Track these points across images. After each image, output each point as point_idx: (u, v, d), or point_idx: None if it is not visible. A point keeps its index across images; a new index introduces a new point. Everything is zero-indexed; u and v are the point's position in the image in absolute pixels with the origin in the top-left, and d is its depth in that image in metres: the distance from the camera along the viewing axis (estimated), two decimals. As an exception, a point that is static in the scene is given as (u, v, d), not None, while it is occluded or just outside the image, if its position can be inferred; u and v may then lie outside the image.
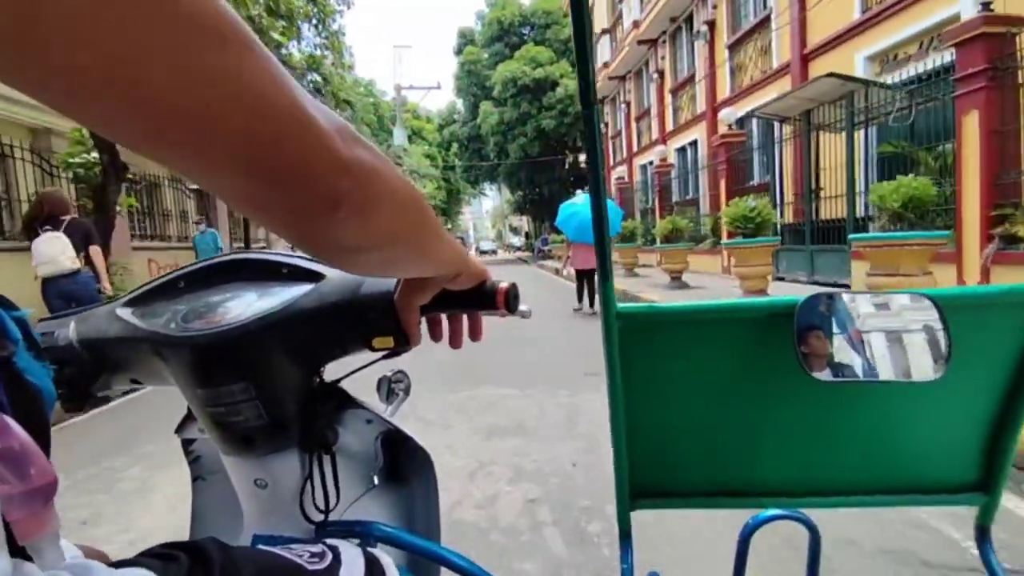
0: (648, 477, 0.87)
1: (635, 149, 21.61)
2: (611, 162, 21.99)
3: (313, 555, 0.54)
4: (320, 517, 0.72)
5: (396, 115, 33.34)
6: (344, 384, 0.76)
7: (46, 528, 0.36)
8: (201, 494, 0.87)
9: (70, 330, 0.73)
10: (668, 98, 17.90)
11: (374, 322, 0.67)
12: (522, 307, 0.71)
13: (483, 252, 48.25)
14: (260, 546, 0.58)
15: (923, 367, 0.69)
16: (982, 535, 0.84)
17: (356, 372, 0.75)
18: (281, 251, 0.75)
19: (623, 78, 22.03)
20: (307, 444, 0.72)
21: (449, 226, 56.78)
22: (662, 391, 0.83)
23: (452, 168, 37.10)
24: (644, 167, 20.30)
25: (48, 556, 0.36)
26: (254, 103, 0.29)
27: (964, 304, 0.72)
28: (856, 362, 0.71)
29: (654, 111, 18.93)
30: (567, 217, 7.70)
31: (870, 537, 2.02)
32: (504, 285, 0.67)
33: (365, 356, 0.71)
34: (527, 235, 47.48)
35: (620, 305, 0.75)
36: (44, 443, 0.38)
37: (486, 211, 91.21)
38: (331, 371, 0.76)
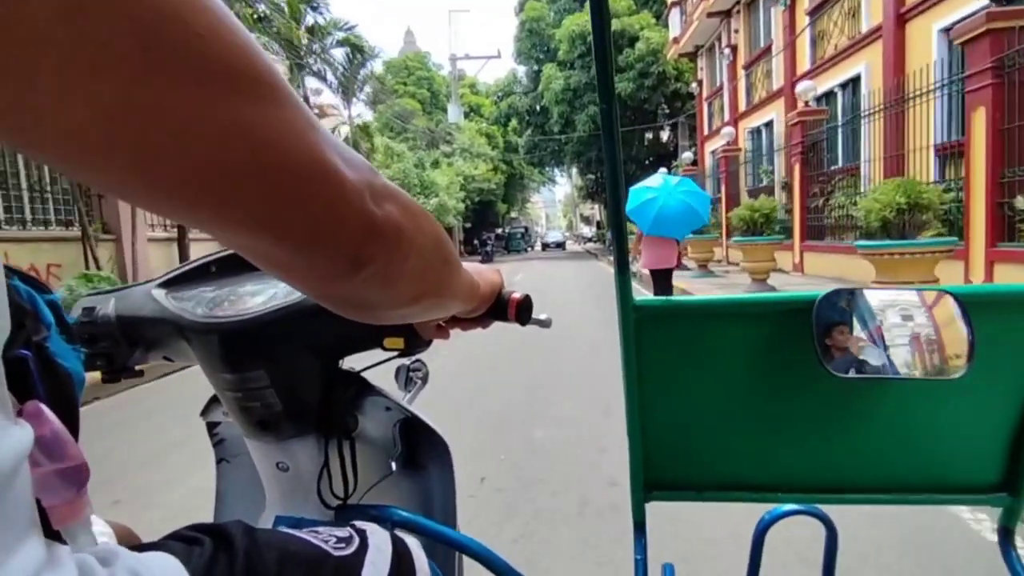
0: (663, 469, 0.90)
1: (705, 132, 20.12)
2: (706, 130, 20.33)
3: (340, 540, 0.56)
4: (337, 502, 0.79)
5: (451, 90, 33.05)
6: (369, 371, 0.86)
7: (80, 515, 0.39)
8: (225, 476, 0.95)
9: (110, 307, 0.80)
10: (741, 75, 16.58)
11: (387, 324, 0.70)
12: (541, 316, 0.79)
13: (546, 246, 44.88)
14: (284, 528, 0.62)
15: (945, 365, 0.71)
16: (1005, 536, 0.86)
17: (376, 366, 0.85)
18: None
19: (693, 55, 20.48)
20: (327, 430, 0.80)
21: (514, 214, 56.41)
22: (678, 383, 0.86)
23: (515, 150, 36.44)
24: (714, 152, 18.85)
25: (81, 540, 0.39)
26: (279, 161, 0.28)
27: (988, 302, 0.74)
28: (876, 358, 0.72)
29: (726, 90, 17.48)
30: (642, 204, 6.53)
31: (888, 532, 2.05)
32: (517, 296, 0.73)
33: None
34: (599, 225, 46.13)
35: (637, 297, 0.78)
36: (73, 426, 0.41)
37: (559, 200, 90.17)
38: (353, 360, 0.84)
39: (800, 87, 10.46)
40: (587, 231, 52.08)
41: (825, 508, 0.93)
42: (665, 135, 28.48)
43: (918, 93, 7.83)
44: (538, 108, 30.47)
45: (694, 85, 20.82)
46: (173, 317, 0.77)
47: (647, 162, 26.15)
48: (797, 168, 10.66)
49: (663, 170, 10.51)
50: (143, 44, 0.22)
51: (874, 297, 0.75)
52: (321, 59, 16.11)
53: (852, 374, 0.73)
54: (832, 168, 10.49)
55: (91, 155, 0.23)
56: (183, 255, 9.99)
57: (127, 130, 0.23)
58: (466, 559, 0.80)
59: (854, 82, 10.71)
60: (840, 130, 10.45)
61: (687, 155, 18.25)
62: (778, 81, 13.87)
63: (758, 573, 0.98)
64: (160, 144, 0.24)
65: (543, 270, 20.06)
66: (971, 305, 0.70)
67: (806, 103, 10.21)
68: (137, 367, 0.83)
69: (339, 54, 17.23)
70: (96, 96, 0.22)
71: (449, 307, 0.58)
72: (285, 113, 0.28)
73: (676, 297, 0.82)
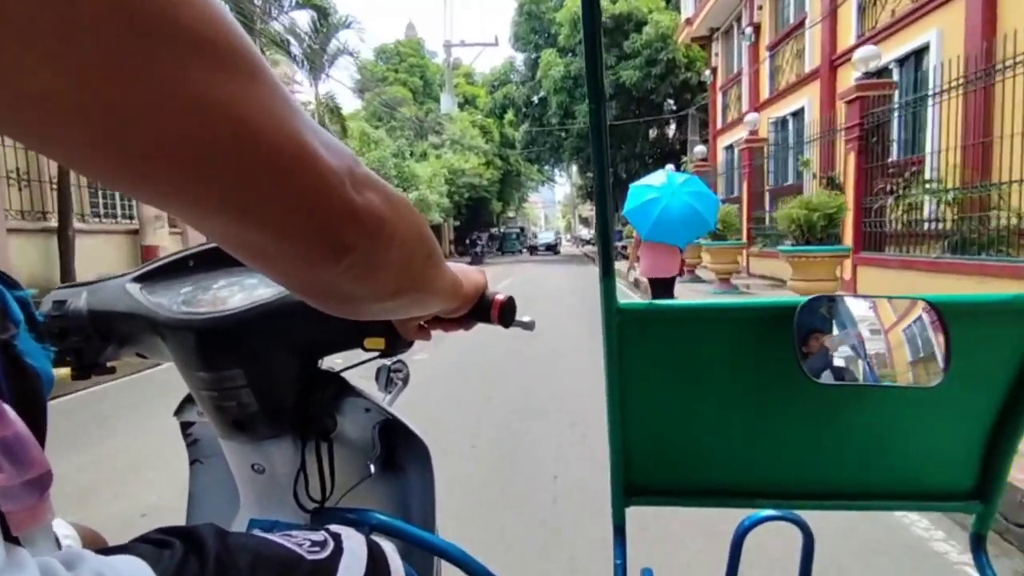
0: (644, 473, 0.91)
1: (718, 125, 18.11)
2: (719, 123, 18.31)
3: (314, 544, 0.55)
4: (314, 505, 0.79)
5: (445, 79, 30.97)
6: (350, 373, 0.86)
7: (40, 521, 0.38)
8: (198, 477, 0.93)
9: (82, 301, 0.78)
10: (764, 58, 14.47)
11: (367, 324, 0.73)
12: (524, 318, 0.76)
13: (534, 249, 37.70)
14: (258, 531, 0.61)
15: (922, 373, 0.73)
16: (977, 543, 0.87)
17: (356, 366, 0.85)
18: None
19: (707, 39, 18.43)
20: (304, 431, 0.79)
21: (511, 214, 54.45)
22: (660, 388, 0.86)
23: (512, 145, 34.44)
24: (729, 147, 16.84)
25: (41, 546, 0.39)
26: (254, 140, 0.27)
27: (965, 311, 0.75)
28: (855, 366, 0.74)
29: (746, 76, 15.48)
30: (642, 205, 5.76)
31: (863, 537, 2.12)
32: (500, 298, 0.71)
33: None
34: (597, 227, 44.20)
35: (621, 301, 0.78)
36: (41, 427, 0.41)
37: (558, 201, 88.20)
38: (333, 361, 0.84)
39: (860, 53, 8.07)
40: (585, 233, 49.81)
41: (802, 514, 0.94)
42: (671, 131, 26.47)
43: (1014, 62, 5.75)
44: (536, 99, 28.46)
45: (707, 72, 18.78)
46: (147, 313, 0.76)
47: (651, 160, 24.15)
48: (852, 158, 8.43)
49: (670, 167, 9.31)
50: (114, 4, 0.21)
51: (854, 305, 0.75)
52: (278, 22, 14.01)
53: (832, 381, 0.73)
54: (900, 158, 8.29)
55: (59, 123, 0.23)
56: (64, 250, 8.04)
57: (98, 96, 0.22)
58: (445, 563, 0.79)
59: (918, 54, 8.72)
60: (898, 113, 8.26)
61: (700, 148, 16.25)
62: (812, 61, 11.89)
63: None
64: (132, 113, 0.23)
65: (533, 275, 18.18)
66: (948, 314, 0.71)
67: (866, 74, 7.97)
68: (109, 363, 0.82)
69: (304, 20, 15.22)
70: (64, 59, 0.21)
71: (431, 304, 0.57)
72: (264, 92, 0.27)
73: (659, 301, 0.81)
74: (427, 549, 0.76)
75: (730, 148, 17.09)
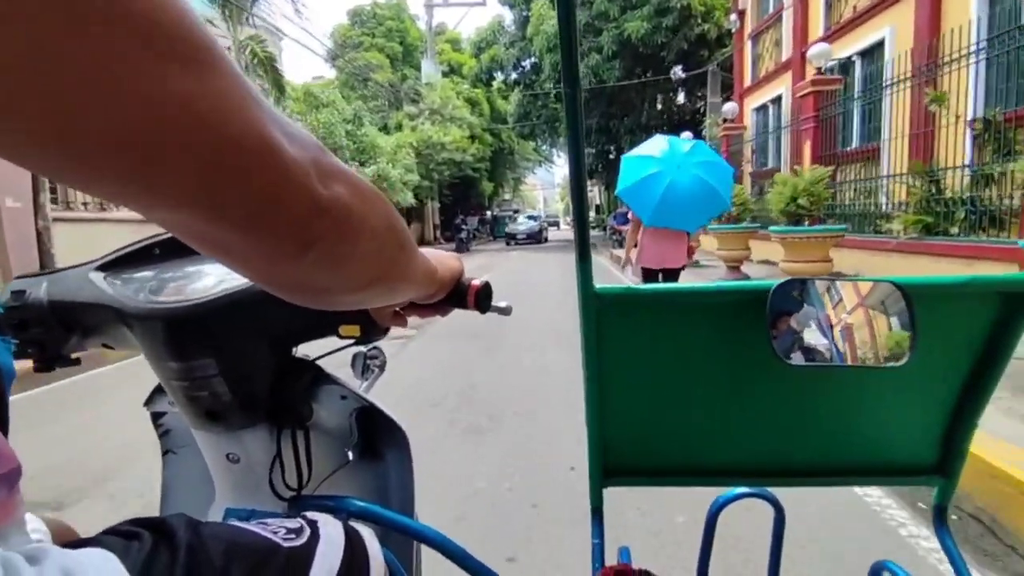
0: (621, 455, 0.92)
1: (746, 83, 14.92)
2: (747, 80, 15.07)
3: (290, 531, 0.55)
4: (290, 493, 0.79)
5: (427, 43, 27.43)
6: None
7: (10, 517, 0.38)
8: (171, 467, 0.92)
9: (42, 290, 0.77)
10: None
11: (342, 311, 0.71)
12: (500, 303, 0.77)
13: (512, 238, 28.66)
14: (233, 520, 0.60)
15: (889, 353, 0.74)
16: (939, 515, 0.90)
17: (332, 354, 0.85)
18: None
19: None
20: (280, 419, 0.79)
21: (506, 196, 51.06)
22: (637, 371, 0.86)
23: (503, 120, 31.08)
24: (761, 108, 13.59)
25: (13, 540, 0.39)
26: (213, 134, 0.26)
27: (930, 293, 0.76)
28: (825, 347, 0.75)
29: (787, 14, 12.29)
30: (641, 182, 4.47)
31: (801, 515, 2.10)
32: (477, 283, 0.72)
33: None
34: (597, 209, 40.85)
35: (599, 285, 0.77)
36: (3, 422, 0.41)
37: (558, 183, 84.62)
38: (308, 348, 0.83)
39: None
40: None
41: (774, 490, 0.98)
42: (681, 97, 23.01)
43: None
44: (527, 65, 25.04)
45: (732, 18, 15.38)
46: (113, 302, 0.74)
47: (665, 126, 20.73)
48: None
49: (686, 135, 8.45)
50: None
51: (825, 287, 0.77)
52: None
53: (803, 362, 0.75)
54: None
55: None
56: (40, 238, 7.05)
57: (30, 86, 0.21)
58: (425, 548, 0.78)
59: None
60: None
61: (730, 106, 12.92)
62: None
63: (710, 552, 1.02)
64: (74, 106, 0.22)
65: (518, 268, 15.11)
66: (915, 296, 0.72)
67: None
68: (74, 355, 0.80)
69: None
70: (2, 40, 0.20)
71: (404, 292, 0.57)
72: (223, 84, 0.26)
73: (636, 285, 0.81)
74: (406, 533, 0.76)
75: (762, 109, 13.84)
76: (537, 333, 6.10)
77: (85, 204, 8.57)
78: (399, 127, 21.87)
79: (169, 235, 0.77)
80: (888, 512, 2.37)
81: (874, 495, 2.49)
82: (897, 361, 0.73)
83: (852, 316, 0.75)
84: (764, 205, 8.19)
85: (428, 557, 0.84)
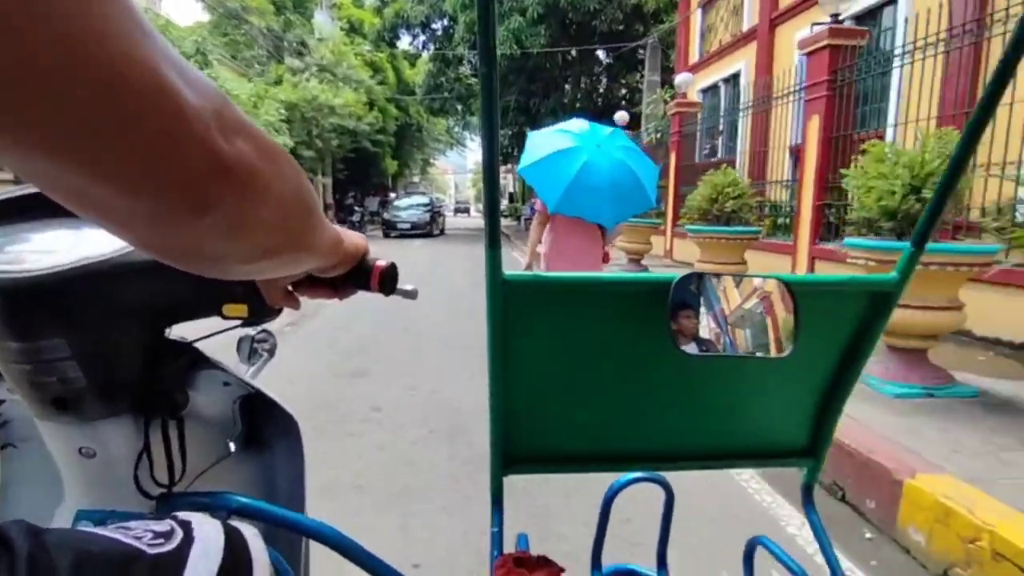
0: (522, 443, 0.92)
1: (693, 59, 12.75)
2: (695, 55, 12.76)
3: (157, 535, 0.49)
4: (160, 490, 0.71)
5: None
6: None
7: None
8: (10, 464, 0.82)
9: None
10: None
11: (226, 288, 0.66)
12: (406, 286, 0.73)
13: (392, 228, 20.70)
14: (86, 523, 0.55)
15: (774, 345, 0.78)
16: (807, 493, 0.98)
17: (213, 336, 0.76)
18: None
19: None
20: (149, 408, 0.71)
21: (415, 179, 47.38)
22: (541, 360, 0.86)
23: (411, 92, 27.65)
24: (711, 89, 11.38)
25: None
26: (92, 68, 0.22)
27: (812, 291, 0.82)
28: (718, 339, 0.79)
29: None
30: (550, 158, 3.53)
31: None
32: (382, 264, 0.67)
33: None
34: (511, 197, 38.24)
35: (507, 272, 0.76)
36: None
37: (470, 169, 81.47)
38: (185, 330, 0.74)
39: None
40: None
41: (666, 475, 1.01)
42: (604, 81, 20.76)
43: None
44: (439, 28, 21.87)
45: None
46: None
47: (586, 114, 18.28)
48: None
49: (622, 114, 9.50)
50: None
51: (720, 281, 0.80)
52: None
53: (697, 353, 0.78)
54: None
55: None
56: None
57: None
58: (315, 544, 0.73)
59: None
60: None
61: (684, 77, 10.33)
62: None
63: (605, 534, 1.04)
64: None
65: (419, 261, 12.02)
66: (798, 292, 0.76)
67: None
68: None
69: None
70: None
71: (308, 262, 0.52)
72: (108, 8, 0.22)
73: (544, 273, 0.81)
74: (294, 530, 0.72)
75: (712, 90, 11.59)
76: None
77: None
78: (279, 82, 18.03)
79: (23, 192, 0.66)
80: (760, 495, 2.57)
81: (745, 476, 2.71)
82: (781, 352, 0.77)
83: (743, 310, 0.79)
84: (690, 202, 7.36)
85: (321, 554, 0.76)
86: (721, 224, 6.73)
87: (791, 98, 7.68)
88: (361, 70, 21.12)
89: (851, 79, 6.17)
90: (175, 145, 0.26)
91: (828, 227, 6.58)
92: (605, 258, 4.20)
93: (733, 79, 11.07)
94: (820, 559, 0.89)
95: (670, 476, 1.00)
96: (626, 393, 0.89)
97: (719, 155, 10.72)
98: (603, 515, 1.03)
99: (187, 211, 0.28)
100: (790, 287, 0.76)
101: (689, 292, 0.77)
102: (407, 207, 21.87)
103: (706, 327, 0.78)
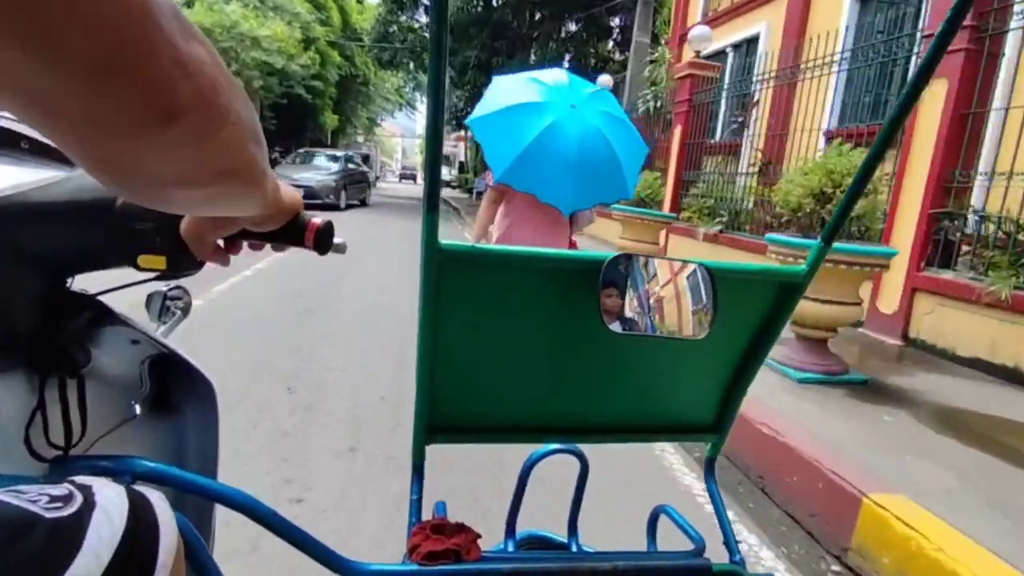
0: (447, 413, 0.92)
1: (697, 16, 10.59)
2: (697, 14, 10.69)
3: (54, 498, 0.46)
4: (55, 453, 0.66)
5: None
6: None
7: None
8: None
9: None
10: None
11: (143, 236, 0.61)
12: (336, 240, 0.71)
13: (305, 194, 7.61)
14: None
15: (693, 326, 0.81)
16: (709, 466, 1.02)
17: (121, 288, 0.72)
18: None
19: None
20: (44, 365, 0.66)
21: (359, 138, 43.90)
22: (471, 331, 0.87)
23: (359, 39, 24.64)
24: (734, 48, 9.35)
25: None
26: None
27: (729, 277, 0.83)
28: (642, 318, 0.81)
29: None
30: (508, 110, 2.73)
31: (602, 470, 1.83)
32: (317, 221, 0.66)
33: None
34: (461, 167, 35.63)
35: (443, 241, 0.74)
36: None
37: (419, 133, 77.75)
38: (88, 281, 0.69)
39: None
40: (445, 173, 40.39)
41: (587, 447, 1.04)
42: (585, 35, 18.54)
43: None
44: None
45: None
46: None
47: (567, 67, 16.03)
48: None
49: (605, 77, 8.97)
50: None
51: (647, 264, 0.82)
52: None
53: (622, 330, 0.78)
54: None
55: None
56: None
57: None
58: (224, 510, 0.69)
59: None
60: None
61: (701, 31, 7.96)
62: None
63: (520, 504, 1.06)
64: None
65: (350, 237, 9.39)
66: (718, 277, 0.79)
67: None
68: None
69: None
70: None
71: (254, 200, 0.47)
72: None
73: (482, 245, 0.80)
74: (204, 496, 0.68)
75: (717, 57, 9.57)
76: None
77: None
78: (189, 4, 14.87)
79: None
80: (675, 468, 2.76)
81: (666, 450, 2.91)
82: (699, 334, 0.80)
83: (666, 291, 0.82)
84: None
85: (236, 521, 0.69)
86: (817, 237, 3.61)
87: (831, 68, 5.83)
88: (299, 2, 18.02)
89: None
90: (145, 36, 0.23)
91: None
92: (572, 248, 3.29)
93: (748, 44, 9.09)
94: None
95: (591, 449, 1.02)
96: (552, 367, 0.90)
97: (718, 137, 8.75)
98: (520, 484, 1.05)
99: (154, 116, 0.26)
100: (711, 272, 0.79)
101: (618, 272, 0.79)
102: (310, 170, 15.05)
103: (632, 306, 0.80)
